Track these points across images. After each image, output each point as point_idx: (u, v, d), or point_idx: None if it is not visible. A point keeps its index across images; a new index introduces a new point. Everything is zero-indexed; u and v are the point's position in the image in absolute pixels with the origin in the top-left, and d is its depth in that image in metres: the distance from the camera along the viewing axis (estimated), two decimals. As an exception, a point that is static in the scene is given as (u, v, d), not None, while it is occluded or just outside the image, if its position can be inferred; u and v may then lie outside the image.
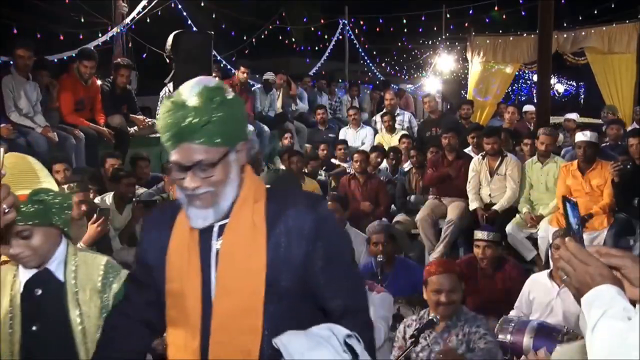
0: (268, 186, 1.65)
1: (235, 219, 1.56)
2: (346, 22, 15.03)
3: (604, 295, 1.17)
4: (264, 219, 1.56)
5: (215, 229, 1.57)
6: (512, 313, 3.87)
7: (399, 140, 7.94)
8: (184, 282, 1.57)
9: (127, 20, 8.58)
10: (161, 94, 7.70)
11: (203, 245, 1.57)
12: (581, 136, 5.39)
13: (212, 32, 7.25)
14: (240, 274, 1.53)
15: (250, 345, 1.52)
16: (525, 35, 11.77)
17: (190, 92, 1.49)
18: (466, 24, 13.80)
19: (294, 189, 2.52)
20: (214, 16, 11.21)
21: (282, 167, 7.61)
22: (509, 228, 5.60)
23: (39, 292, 1.83)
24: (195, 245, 1.57)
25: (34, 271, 1.85)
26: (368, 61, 17.14)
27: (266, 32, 13.16)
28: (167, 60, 6.88)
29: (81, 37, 8.58)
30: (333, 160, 8.03)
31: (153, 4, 8.77)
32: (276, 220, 1.56)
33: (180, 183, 1.51)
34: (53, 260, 1.86)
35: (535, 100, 9.59)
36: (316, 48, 15.36)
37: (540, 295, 3.83)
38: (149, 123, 7.07)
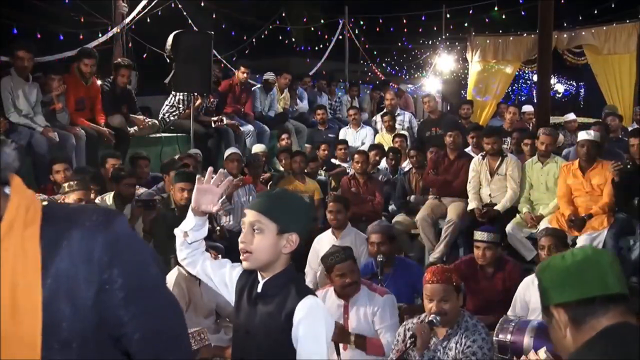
0: (45, 203, 1.25)
1: None
2: (346, 22, 15.01)
3: None
4: (39, 245, 1.16)
5: None
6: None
7: (393, 140, 7.93)
8: None
9: (127, 20, 8.57)
10: (168, 101, 7.69)
11: None
12: (585, 135, 5.40)
13: (212, 32, 7.25)
14: (5, 320, 1.12)
15: None
16: (525, 35, 11.78)
17: None
18: (466, 24, 13.80)
19: (80, 205, 1.63)
20: (214, 16, 11.19)
21: (280, 167, 7.62)
22: (509, 228, 5.59)
23: None
24: None
25: None
26: (368, 61, 17.12)
27: (266, 32, 13.14)
28: (167, 60, 6.88)
29: (81, 37, 8.56)
30: (333, 160, 8.04)
31: (153, 4, 8.76)
32: (56, 245, 1.17)
33: None
34: None
35: (535, 100, 9.60)
36: (316, 48, 15.30)
37: (535, 296, 3.82)
38: (149, 123, 7.07)
